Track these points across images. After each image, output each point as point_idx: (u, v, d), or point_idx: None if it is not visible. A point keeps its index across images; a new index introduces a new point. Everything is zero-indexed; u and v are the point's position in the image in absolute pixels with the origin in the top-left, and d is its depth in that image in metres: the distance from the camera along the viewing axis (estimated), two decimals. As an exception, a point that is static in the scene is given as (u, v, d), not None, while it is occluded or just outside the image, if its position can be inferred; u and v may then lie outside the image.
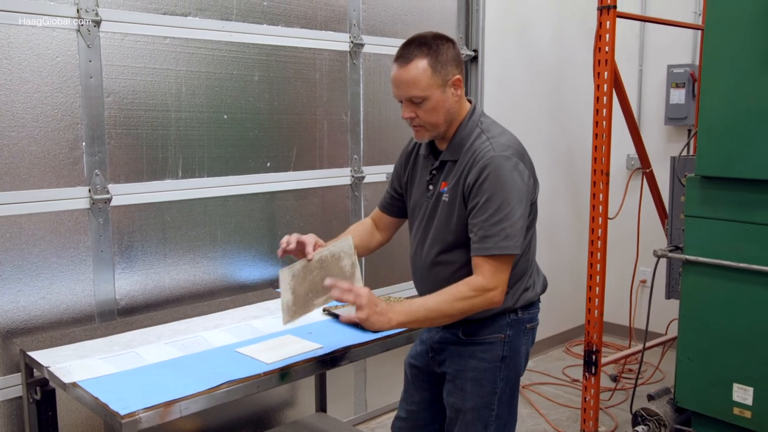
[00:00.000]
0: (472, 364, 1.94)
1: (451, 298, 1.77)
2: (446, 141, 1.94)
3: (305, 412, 3.22)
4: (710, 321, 2.65)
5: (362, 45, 3.26)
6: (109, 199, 2.52)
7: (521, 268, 1.93)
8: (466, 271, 1.87)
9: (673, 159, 3.21)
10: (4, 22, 2.24)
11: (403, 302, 1.82)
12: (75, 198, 2.45)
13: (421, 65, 1.81)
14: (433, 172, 1.95)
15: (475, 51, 3.81)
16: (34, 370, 2.21)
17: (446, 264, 1.93)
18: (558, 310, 4.64)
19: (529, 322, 1.98)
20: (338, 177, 3.26)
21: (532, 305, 1.99)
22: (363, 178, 3.36)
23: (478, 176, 1.80)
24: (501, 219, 1.76)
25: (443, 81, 1.83)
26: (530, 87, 4.22)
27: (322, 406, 3.14)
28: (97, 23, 2.43)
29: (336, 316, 2.49)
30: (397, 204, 2.16)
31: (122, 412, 1.74)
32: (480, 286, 1.77)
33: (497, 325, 1.92)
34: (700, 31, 3.77)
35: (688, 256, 2.68)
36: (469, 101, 1.96)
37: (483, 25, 3.81)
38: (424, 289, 2.00)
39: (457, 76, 1.85)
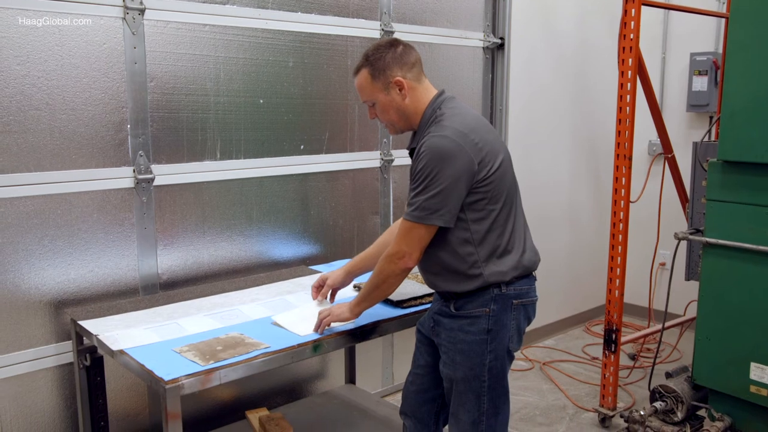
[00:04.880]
0: (460, 337, 2.03)
1: (372, 276, 2.06)
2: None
3: (335, 384, 3.33)
4: (729, 301, 2.69)
5: (392, 32, 3.32)
6: (152, 179, 2.64)
7: (490, 244, 1.98)
8: (443, 252, 2.00)
9: (695, 144, 3.22)
10: (56, 11, 2.35)
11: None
12: (120, 177, 2.57)
13: (362, 75, 2.04)
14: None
15: (502, 39, 3.84)
16: (84, 338, 2.34)
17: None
18: (579, 291, 4.71)
19: (515, 297, 2.02)
20: (368, 160, 3.35)
21: (515, 281, 2.02)
22: (392, 161, 3.44)
23: (417, 158, 1.95)
24: (420, 191, 1.91)
25: (384, 84, 2.01)
26: (554, 73, 4.25)
27: (351, 378, 3.25)
28: (142, 11, 2.54)
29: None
30: None
31: (166, 378, 1.84)
32: (389, 252, 1.99)
33: (482, 299, 2.00)
34: (723, 19, 3.79)
35: (708, 239, 2.72)
36: (442, 92, 2.07)
37: (510, 13, 3.84)
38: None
39: (397, 78, 2.00)
